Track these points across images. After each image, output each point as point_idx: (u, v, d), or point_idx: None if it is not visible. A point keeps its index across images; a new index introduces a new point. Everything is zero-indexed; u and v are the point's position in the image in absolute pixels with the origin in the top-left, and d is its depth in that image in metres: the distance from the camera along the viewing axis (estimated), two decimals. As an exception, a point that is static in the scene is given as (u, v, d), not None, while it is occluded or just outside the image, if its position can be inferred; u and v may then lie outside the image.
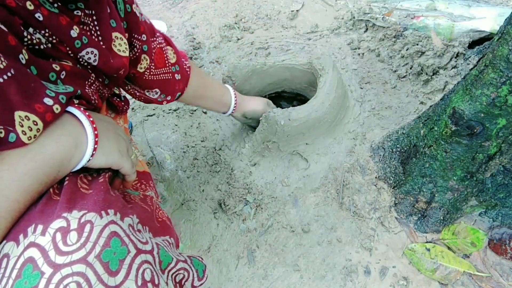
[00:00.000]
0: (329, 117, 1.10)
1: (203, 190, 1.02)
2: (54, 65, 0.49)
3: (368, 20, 1.45)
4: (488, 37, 1.28)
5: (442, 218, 0.92)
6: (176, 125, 1.18)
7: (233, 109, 1.00)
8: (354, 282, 0.86)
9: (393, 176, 1.00)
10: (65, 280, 0.39)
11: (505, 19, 0.73)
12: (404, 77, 1.31)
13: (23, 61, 0.44)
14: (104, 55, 0.55)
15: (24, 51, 0.44)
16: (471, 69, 0.80)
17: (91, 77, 0.56)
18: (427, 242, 0.92)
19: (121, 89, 0.79)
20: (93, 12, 0.54)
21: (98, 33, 0.55)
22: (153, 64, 0.73)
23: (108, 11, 0.57)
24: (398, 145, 1.02)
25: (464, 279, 0.85)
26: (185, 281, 0.62)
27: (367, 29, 1.47)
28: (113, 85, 0.65)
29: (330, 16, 1.62)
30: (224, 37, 1.51)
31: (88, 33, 0.53)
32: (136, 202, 0.60)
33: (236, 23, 1.58)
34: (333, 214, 0.98)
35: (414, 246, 0.91)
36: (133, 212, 0.51)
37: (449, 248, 0.90)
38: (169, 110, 1.23)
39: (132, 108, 1.24)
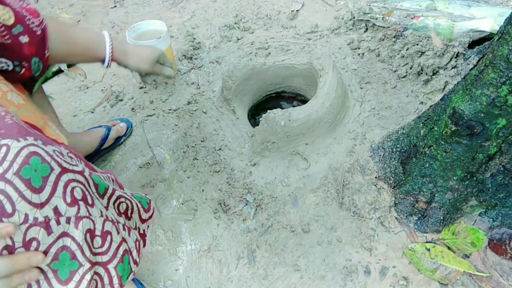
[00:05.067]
0: (329, 117, 1.10)
1: (203, 190, 1.02)
2: None
3: (368, 20, 1.45)
4: (488, 37, 1.28)
5: (442, 218, 0.92)
6: (176, 125, 1.18)
7: (108, 64, 0.86)
8: (354, 282, 0.86)
9: (393, 176, 1.00)
10: None
11: (505, 19, 0.73)
12: (404, 77, 1.31)
13: None
14: None
15: None
16: (471, 69, 0.80)
17: None
18: (427, 242, 0.92)
19: None
20: None
21: None
22: None
23: None
24: (398, 145, 1.02)
25: (464, 279, 0.85)
26: (131, 213, 0.62)
27: (367, 29, 1.47)
28: None
29: (330, 16, 1.62)
30: (224, 37, 1.51)
31: None
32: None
33: (236, 23, 1.58)
34: (333, 214, 0.98)
35: (414, 246, 0.91)
36: (59, 145, 0.50)
37: (449, 248, 0.90)
38: (169, 110, 1.23)
39: (132, 108, 1.24)
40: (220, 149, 1.12)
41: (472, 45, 1.28)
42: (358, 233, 0.94)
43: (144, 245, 0.66)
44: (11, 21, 0.63)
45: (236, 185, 1.03)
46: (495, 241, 0.88)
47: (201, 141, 1.14)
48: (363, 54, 1.40)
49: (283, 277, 0.87)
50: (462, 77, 0.89)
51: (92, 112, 1.24)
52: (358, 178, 1.04)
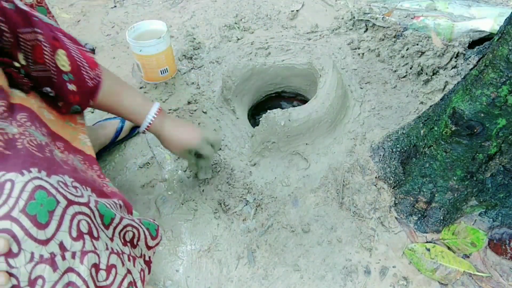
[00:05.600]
0: (329, 117, 1.10)
1: (203, 190, 1.02)
2: None
3: (368, 20, 1.45)
4: (488, 37, 1.28)
5: (442, 218, 0.92)
6: (176, 125, 1.18)
7: (144, 132, 0.83)
8: (354, 282, 0.86)
9: (393, 176, 1.00)
10: None
11: (505, 19, 0.73)
12: (404, 77, 1.31)
13: None
14: None
15: None
16: (471, 69, 0.80)
17: None
18: (427, 242, 0.92)
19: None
20: None
21: None
22: (30, 57, 0.58)
23: None
24: (398, 145, 1.02)
25: (464, 279, 0.85)
26: (137, 241, 0.61)
27: (367, 29, 1.47)
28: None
29: (330, 16, 1.62)
30: (224, 37, 1.51)
31: None
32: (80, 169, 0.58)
33: (236, 23, 1.58)
34: (333, 214, 0.98)
35: (414, 246, 0.91)
36: (64, 171, 0.49)
37: (449, 248, 0.90)
38: (169, 110, 1.23)
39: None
40: (220, 149, 1.12)
41: (472, 45, 1.28)
42: (358, 233, 0.94)
43: (149, 272, 0.65)
44: (66, 68, 0.62)
45: (236, 185, 1.03)
46: (495, 241, 0.88)
47: (201, 141, 1.14)
48: (363, 54, 1.40)
49: (283, 277, 0.87)
50: (462, 77, 0.89)
51: (92, 112, 1.24)
52: (358, 178, 1.04)
